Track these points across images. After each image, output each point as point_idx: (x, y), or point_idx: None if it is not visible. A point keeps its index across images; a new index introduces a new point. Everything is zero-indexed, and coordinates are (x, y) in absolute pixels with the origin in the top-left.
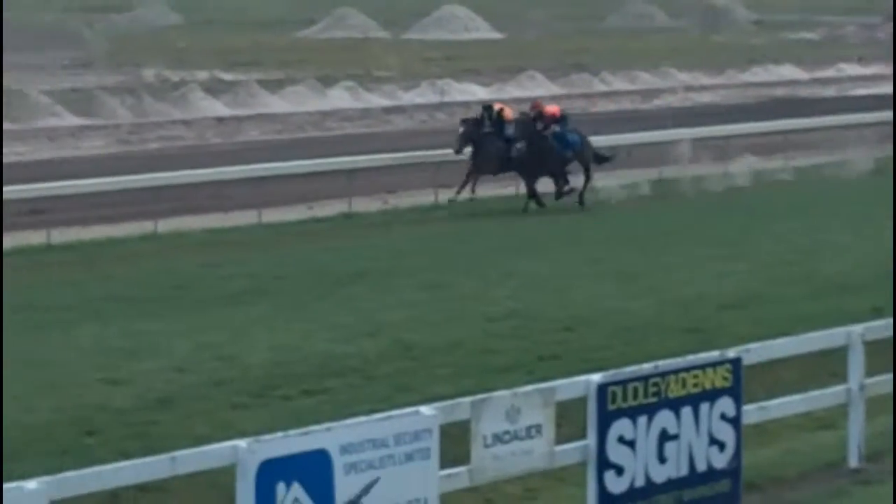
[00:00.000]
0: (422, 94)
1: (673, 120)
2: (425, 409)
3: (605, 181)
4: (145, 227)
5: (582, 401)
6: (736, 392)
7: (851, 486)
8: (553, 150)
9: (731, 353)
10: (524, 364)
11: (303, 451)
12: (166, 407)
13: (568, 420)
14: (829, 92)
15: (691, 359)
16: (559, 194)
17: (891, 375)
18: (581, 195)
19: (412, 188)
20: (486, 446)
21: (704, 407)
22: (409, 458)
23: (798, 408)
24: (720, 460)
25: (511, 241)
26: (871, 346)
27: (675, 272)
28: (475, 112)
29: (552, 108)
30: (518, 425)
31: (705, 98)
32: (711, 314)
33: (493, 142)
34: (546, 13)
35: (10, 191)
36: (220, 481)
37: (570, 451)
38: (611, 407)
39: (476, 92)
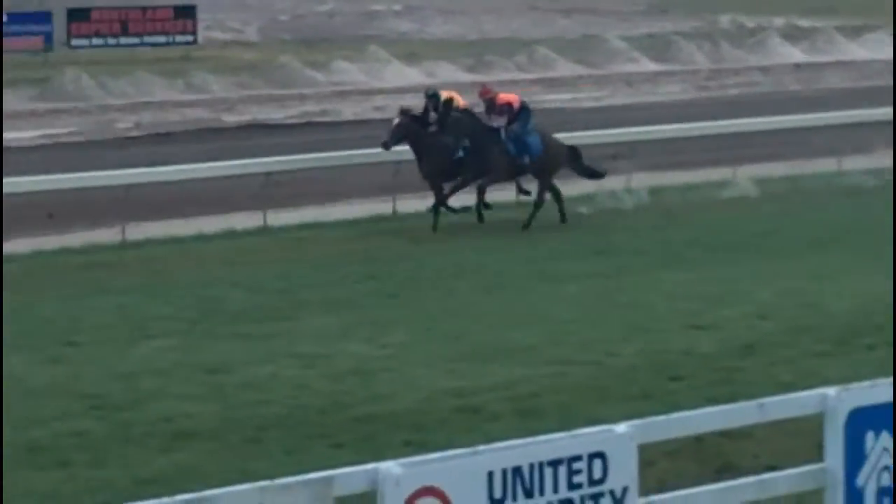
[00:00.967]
0: None
1: None
2: None
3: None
4: (724, 173)
5: None
6: None
7: None
8: (503, 152)
9: None
10: None
11: (891, 401)
12: (749, 353)
13: None
14: None
15: None
16: (475, 209)
17: None
18: (561, 212)
19: None
20: None
21: None
22: None
23: None
24: None
25: None
26: None
27: None
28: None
29: (508, 97)
30: None
31: None
32: None
33: (436, 139)
34: None
35: (590, 136)
36: (803, 428)
37: None
38: None
39: None
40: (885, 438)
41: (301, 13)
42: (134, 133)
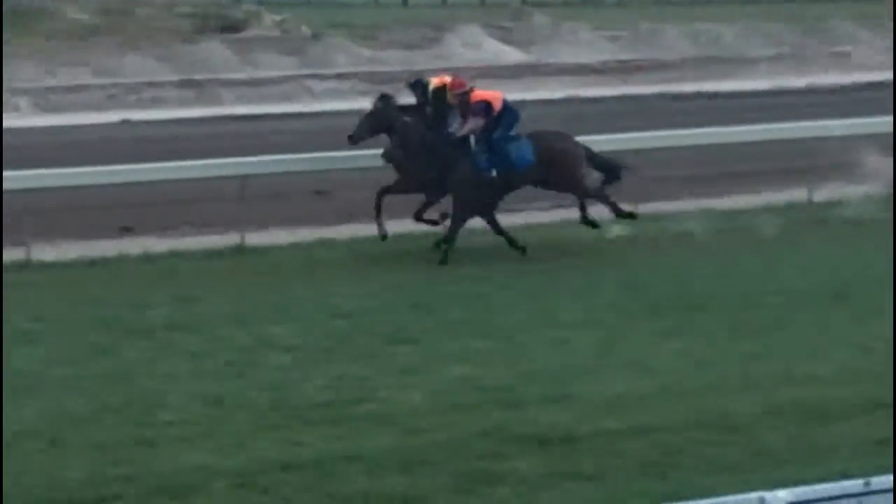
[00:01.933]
0: None
1: None
2: None
3: None
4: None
5: None
6: None
7: None
8: (470, 165)
9: None
10: None
11: None
12: None
13: None
14: None
15: None
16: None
17: None
18: (512, 243)
19: None
20: None
21: None
22: None
23: None
24: None
25: None
26: None
27: None
28: None
29: (486, 94)
30: None
31: None
32: None
33: (417, 133)
34: None
35: None
36: None
37: None
38: None
39: None
40: None
41: None
42: None
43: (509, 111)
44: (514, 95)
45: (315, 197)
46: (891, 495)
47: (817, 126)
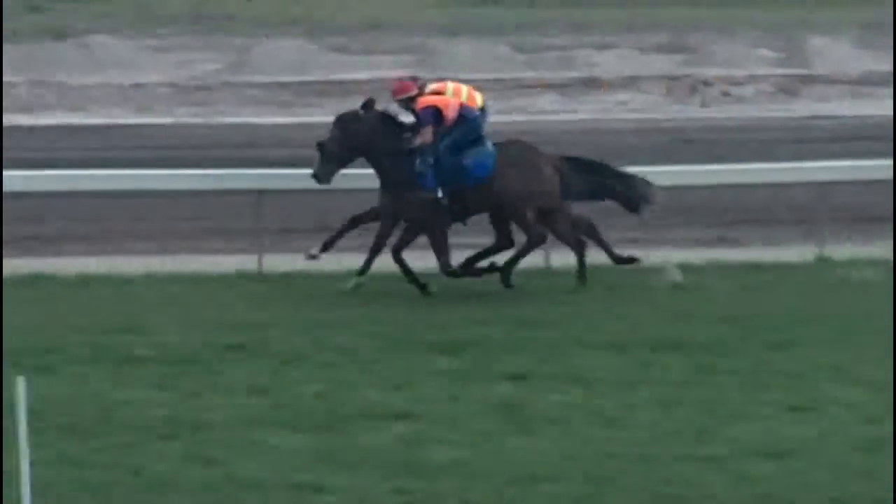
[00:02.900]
0: None
1: None
2: None
3: None
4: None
5: None
6: None
7: None
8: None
9: None
10: None
11: None
12: None
13: None
14: None
15: None
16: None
17: None
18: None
19: None
20: None
21: None
22: None
23: None
24: None
25: None
26: None
27: None
28: None
29: (434, 100)
30: None
31: None
32: None
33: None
34: None
35: None
36: None
37: None
38: None
39: None
40: None
41: None
42: None
43: (470, 121)
44: None
45: None
46: None
47: None
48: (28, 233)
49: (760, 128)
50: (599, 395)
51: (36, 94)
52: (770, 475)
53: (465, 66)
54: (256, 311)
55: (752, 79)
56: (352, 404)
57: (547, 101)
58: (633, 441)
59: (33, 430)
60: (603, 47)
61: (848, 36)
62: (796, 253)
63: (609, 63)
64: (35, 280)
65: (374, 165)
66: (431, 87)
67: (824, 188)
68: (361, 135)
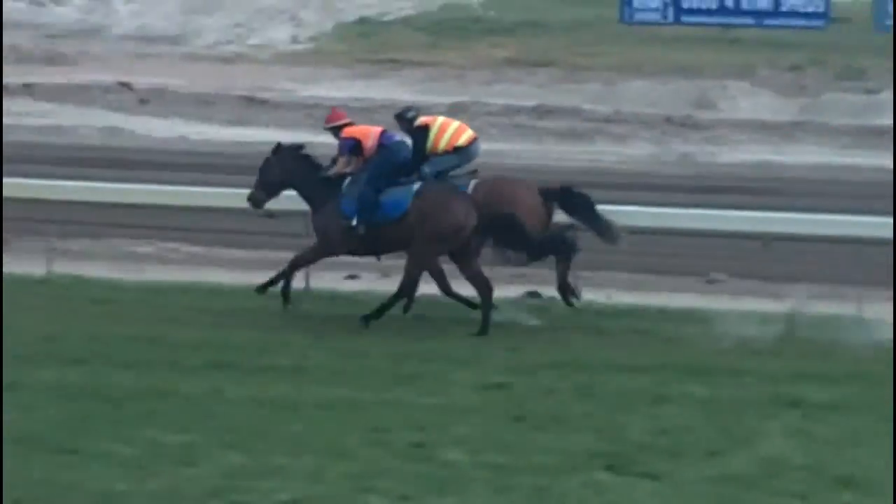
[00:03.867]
0: None
1: None
2: None
3: None
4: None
5: None
6: None
7: None
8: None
9: None
10: None
11: None
12: None
13: None
14: None
15: None
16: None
17: None
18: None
19: None
20: None
21: None
22: None
23: None
24: None
25: None
26: None
27: None
28: None
29: (358, 130)
30: None
31: None
32: None
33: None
34: None
35: None
36: None
37: None
38: None
39: None
40: None
41: None
42: None
43: (387, 149)
44: None
45: None
46: None
47: None
48: None
49: None
50: None
51: None
52: None
53: None
54: None
55: None
56: None
57: None
58: None
59: None
60: None
61: None
62: None
63: None
64: None
65: (300, 195)
66: (421, 119)
67: None
68: (280, 171)
